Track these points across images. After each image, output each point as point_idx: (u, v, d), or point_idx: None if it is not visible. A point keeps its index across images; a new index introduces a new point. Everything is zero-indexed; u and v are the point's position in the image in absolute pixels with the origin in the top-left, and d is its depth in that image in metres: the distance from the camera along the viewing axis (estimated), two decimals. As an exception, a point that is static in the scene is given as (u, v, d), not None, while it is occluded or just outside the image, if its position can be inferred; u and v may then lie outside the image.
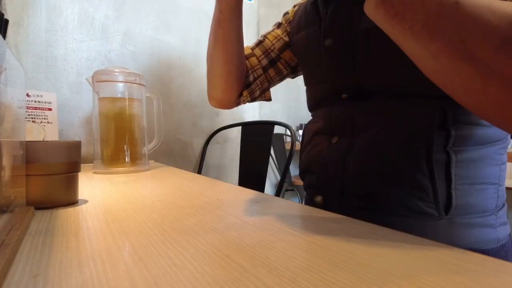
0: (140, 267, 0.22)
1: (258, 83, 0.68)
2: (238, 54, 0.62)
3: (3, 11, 0.86)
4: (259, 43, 0.69)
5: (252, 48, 0.69)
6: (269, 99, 0.72)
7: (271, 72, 0.69)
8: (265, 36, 0.70)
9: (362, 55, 0.48)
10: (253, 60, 0.68)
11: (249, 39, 1.50)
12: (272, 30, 0.70)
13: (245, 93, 0.67)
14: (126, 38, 1.11)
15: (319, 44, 0.54)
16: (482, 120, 0.44)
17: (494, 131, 0.44)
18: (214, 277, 0.20)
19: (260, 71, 0.68)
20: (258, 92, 0.69)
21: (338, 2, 0.51)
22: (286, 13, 0.70)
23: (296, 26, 0.63)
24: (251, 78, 0.67)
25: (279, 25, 0.70)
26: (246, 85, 0.67)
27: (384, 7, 0.29)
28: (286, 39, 0.68)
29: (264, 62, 0.68)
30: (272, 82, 0.70)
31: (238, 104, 0.70)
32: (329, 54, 0.53)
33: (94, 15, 1.04)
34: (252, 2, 1.50)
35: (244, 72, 0.66)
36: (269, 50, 0.68)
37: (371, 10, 0.31)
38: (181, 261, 0.23)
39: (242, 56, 0.64)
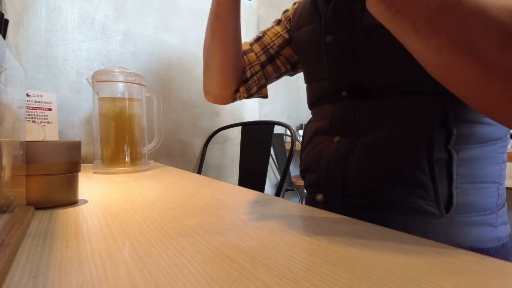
0: (140, 267, 0.22)
1: (255, 79, 0.67)
2: (235, 49, 0.61)
3: (3, 11, 0.86)
4: (258, 39, 0.69)
5: (251, 44, 0.69)
6: (266, 96, 0.72)
7: (269, 68, 0.68)
8: (264, 33, 0.69)
9: (363, 52, 0.48)
10: (252, 56, 0.67)
11: (249, 39, 1.51)
12: (272, 27, 0.69)
13: (241, 89, 0.67)
14: (126, 38, 1.11)
15: (320, 41, 0.54)
16: (483, 118, 0.44)
17: (495, 130, 0.44)
18: (214, 277, 0.20)
19: (257, 67, 0.67)
20: (255, 89, 0.68)
21: None
22: (286, 10, 0.70)
23: (296, 24, 0.63)
24: (248, 74, 0.66)
25: (278, 22, 0.70)
26: (243, 81, 0.67)
27: (386, 4, 0.29)
28: (286, 36, 0.67)
29: (263, 58, 0.67)
30: (269, 79, 0.70)
31: (234, 100, 0.70)
32: (330, 51, 0.52)
33: (94, 15, 1.04)
34: (252, 2, 1.50)
35: (241, 68, 0.66)
36: (268, 47, 0.68)
37: (373, 6, 0.30)
38: (181, 261, 0.23)
39: (239, 51, 0.64)
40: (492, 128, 0.44)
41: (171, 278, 0.20)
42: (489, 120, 0.44)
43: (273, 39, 0.68)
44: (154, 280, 0.20)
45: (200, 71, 1.33)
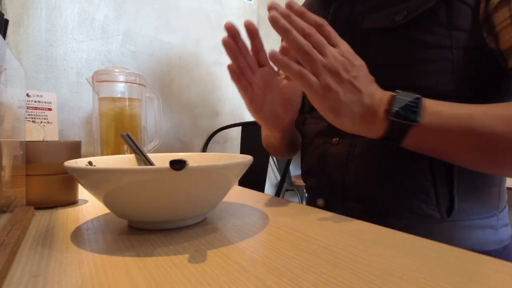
0: (140, 267, 0.22)
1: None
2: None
3: (3, 11, 0.86)
4: None
5: None
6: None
7: None
8: None
9: (363, 55, 0.48)
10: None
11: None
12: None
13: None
14: (126, 38, 1.11)
15: None
16: None
17: None
18: (214, 277, 0.20)
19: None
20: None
21: (339, 2, 0.51)
22: None
23: None
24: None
25: None
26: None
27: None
28: None
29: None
30: None
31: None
32: None
33: (94, 15, 1.04)
34: (252, 2, 1.50)
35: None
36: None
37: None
38: (181, 261, 0.23)
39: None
40: None
41: (171, 278, 0.20)
42: None
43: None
44: (154, 280, 0.20)
45: (200, 71, 1.33)
